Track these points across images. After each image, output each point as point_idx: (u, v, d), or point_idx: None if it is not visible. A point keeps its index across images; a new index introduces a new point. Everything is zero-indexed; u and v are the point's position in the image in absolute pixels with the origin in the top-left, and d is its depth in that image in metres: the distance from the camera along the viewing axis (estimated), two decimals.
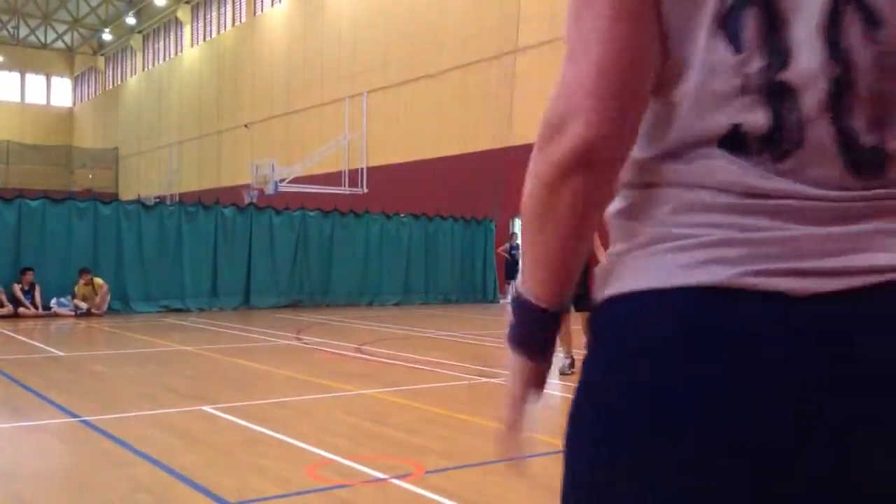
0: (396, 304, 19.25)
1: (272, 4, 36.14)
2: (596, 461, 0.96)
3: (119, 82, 51.99)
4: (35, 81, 54.26)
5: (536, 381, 1.09)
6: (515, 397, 1.10)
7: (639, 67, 0.95)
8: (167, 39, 46.30)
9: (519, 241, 17.81)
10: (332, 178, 28.57)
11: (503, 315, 15.37)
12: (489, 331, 13.15)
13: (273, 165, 26.02)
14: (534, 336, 1.08)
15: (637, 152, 1.00)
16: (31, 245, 15.52)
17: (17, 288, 15.12)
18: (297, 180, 26.87)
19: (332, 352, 10.38)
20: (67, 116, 55.85)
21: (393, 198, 23.95)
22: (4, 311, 14.82)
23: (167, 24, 46.08)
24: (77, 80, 56.14)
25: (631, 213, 1.00)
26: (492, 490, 4.22)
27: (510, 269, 19.29)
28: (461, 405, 6.70)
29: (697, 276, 0.91)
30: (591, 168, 0.94)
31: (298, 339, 11.97)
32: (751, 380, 0.87)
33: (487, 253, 20.76)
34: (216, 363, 9.34)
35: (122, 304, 16.32)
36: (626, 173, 1.00)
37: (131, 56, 50.44)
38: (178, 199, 36.03)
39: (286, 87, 33.90)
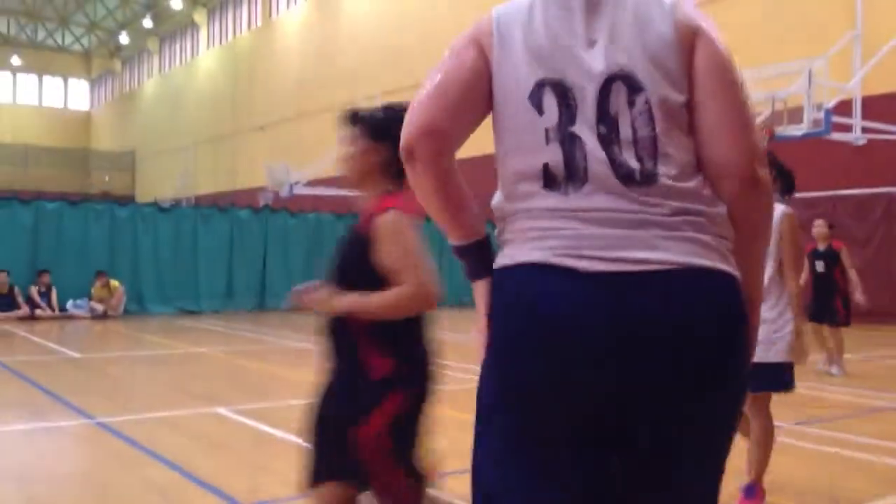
0: None
1: (288, 7, 36.28)
2: (485, 380, 1.64)
3: (136, 85, 52.32)
4: (52, 84, 54.69)
5: (487, 294, 1.61)
6: (479, 309, 1.64)
7: (464, 101, 1.58)
8: (183, 42, 46.57)
9: None
10: (347, 181, 28.61)
11: None
12: None
13: (288, 168, 26.09)
14: (469, 264, 1.68)
15: (498, 200, 1.65)
16: (48, 247, 15.64)
17: (33, 290, 15.23)
18: (311, 183, 26.94)
19: None
20: (85, 119, 56.26)
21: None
22: (21, 312, 14.94)
23: (183, 27, 46.34)
24: (94, 83, 56.55)
25: (503, 224, 1.62)
26: None
27: None
28: (472, 407, 6.68)
29: (526, 256, 1.51)
30: (427, 143, 1.58)
31: (312, 341, 11.98)
32: (546, 325, 1.45)
33: None
34: (230, 365, 9.36)
35: (137, 306, 16.41)
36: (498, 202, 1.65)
37: (148, 59, 50.76)
38: (193, 201, 36.21)
39: (301, 90, 34.02)
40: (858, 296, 9.10)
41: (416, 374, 2.50)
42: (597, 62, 1.52)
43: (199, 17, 43.96)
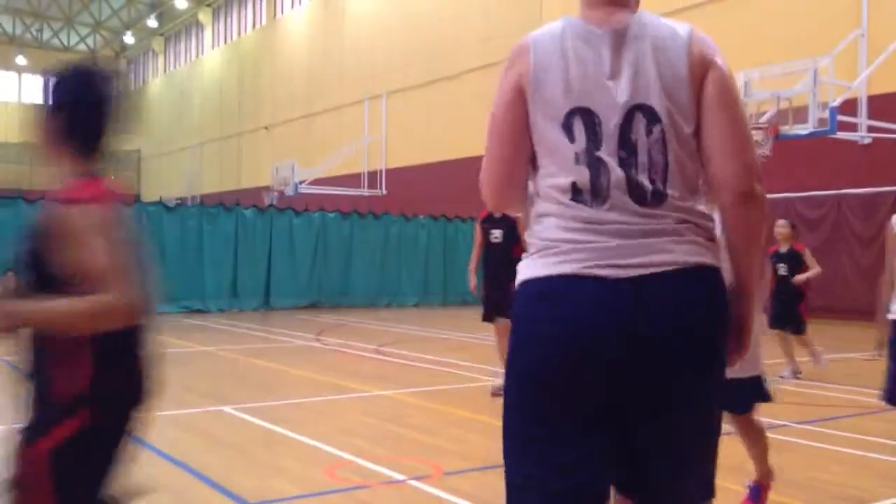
0: (415, 306, 19.27)
1: (293, 7, 36.30)
2: (513, 369, 1.86)
3: (141, 84, 52.41)
4: None
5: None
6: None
7: (513, 170, 1.93)
8: (188, 42, 46.63)
9: None
10: (352, 180, 28.65)
11: None
12: None
13: (293, 167, 26.11)
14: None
15: (531, 201, 1.93)
16: None
17: None
18: (316, 182, 26.96)
19: (351, 353, 10.41)
20: None
21: (412, 199, 23.95)
22: None
23: (188, 27, 46.40)
24: None
25: (530, 235, 1.89)
26: None
27: None
28: (480, 407, 6.68)
29: (558, 269, 1.78)
30: (502, 208, 2.12)
31: (318, 339, 12.01)
32: (586, 320, 1.72)
33: None
34: (236, 364, 9.39)
35: None
36: (530, 216, 1.94)
37: (153, 58, 50.84)
38: (199, 200, 36.25)
39: (306, 89, 34.04)
40: (801, 277, 8.45)
41: (118, 393, 2.14)
42: (621, 94, 1.80)
43: (204, 16, 44.01)
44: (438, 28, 26.84)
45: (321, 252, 18.58)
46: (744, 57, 15.76)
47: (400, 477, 4.51)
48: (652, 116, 1.80)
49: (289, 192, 25.43)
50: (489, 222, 7.34)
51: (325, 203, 21.29)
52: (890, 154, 14.90)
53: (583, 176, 1.80)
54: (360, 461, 4.86)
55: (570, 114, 1.81)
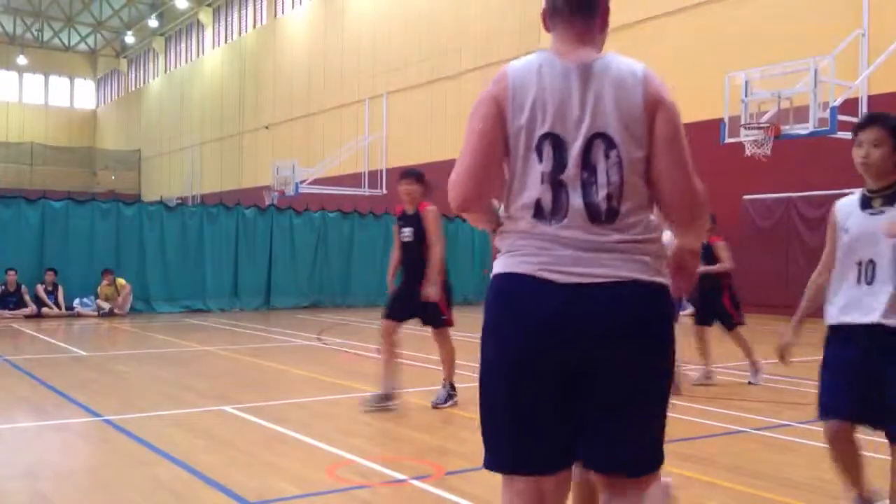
0: None
1: (293, 6, 36.29)
2: (482, 353, 2.23)
3: (141, 84, 52.40)
4: (59, 84, 54.80)
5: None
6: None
7: (483, 178, 2.18)
8: (189, 41, 46.62)
9: None
10: (352, 180, 28.64)
11: None
12: None
13: (294, 167, 26.11)
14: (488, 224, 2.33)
15: (502, 212, 2.23)
16: (55, 245, 15.68)
17: (40, 288, 15.28)
18: (317, 182, 26.96)
19: (352, 352, 10.40)
20: (90, 118, 56.37)
21: None
22: (28, 310, 14.98)
23: (189, 27, 46.39)
24: (100, 82, 56.65)
25: (500, 241, 2.23)
26: None
27: None
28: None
29: (518, 268, 2.14)
30: (464, 211, 2.25)
31: (319, 339, 12.00)
32: (528, 316, 2.10)
33: None
34: (237, 363, 9.38)
35: (144, 305, 16.45)
36: (502, 226, 2.25)
37: (153, 58, 50.82)
38: (199, 200, 36.25)
39: (307, 89, 34.03)
40: (704, 268, 7.64)
41: None
42: (585, 123, 2.12)
43: (205, 16, 43.99)
44: (439, 28, 26.83)
45: (322, 252, 18.57)
46: (744, 56, 15.75)
47: (401, 477, 4.51)
48: (610, 143, 2.12)
49: (289, 191, 25.42)
50: (402, 220, 6.75)
51: (326, 203, 21.28)
52: None
53: (546, 195, 2.14)
54: (360, 461, 4.85)
55: (543, 137, 2.13)
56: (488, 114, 2.17)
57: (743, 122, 13.98)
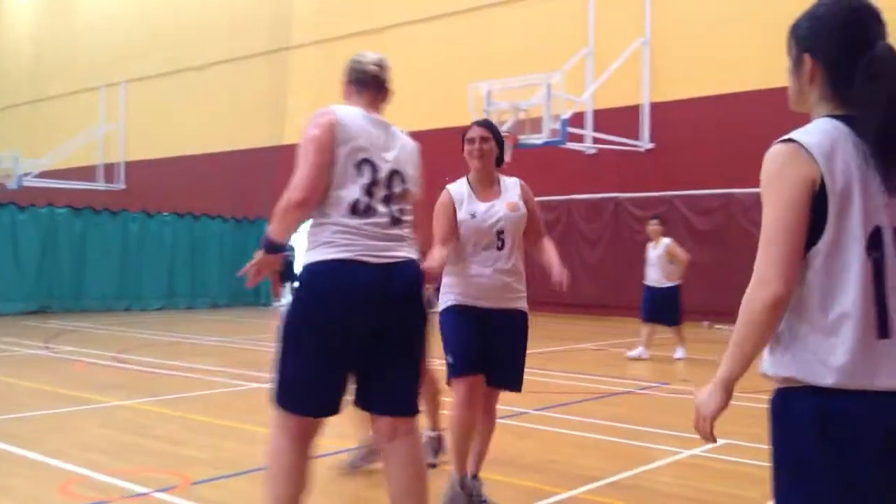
0: (159, 310, 18.23)
1: None
2: (291, 322, 3.09)
3: None
4: None
5: (274, 263, 3.19)
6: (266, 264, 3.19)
7: (320, 183, 3.02)
8: None
9: (292, 243, 17.47)
10: (86, 173, 26.59)
11: (278, 320, 15.04)
12: (262, 335, 12.86)
13: (17, 158, 23.79)
14: (278, 249, 3.15)
15: (317, 212, 3.07)
16: None
17: None
18: (44, 174, 24.71)
19: (87, 361, 9.65)
20: None
21: (155, 195, 22.70)
22: None
23: None
24: None
25: (315, 234, 3.08)
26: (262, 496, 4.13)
27: (286, 272, 18.85)
28: (228, 412, 6.51)
29: (335, 255, 3.00)
30: (301, 209, 3.05)
31: (47, 347, 11.01)
32: (351, 292, 2.99)
33: None
34: None
35: None
36: (314, 221, 3.10)
37: None
38: None
39: (33, 72, 31.03)
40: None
41: None
42: (390, 161, 3.13)
43: None
44: (183, 16, 25.65)
45: (50, 251, 16.99)
46: (488, 67, 16.66)
47: (143, 490, 4.27)
48: (402, 176, 3.16)
49: (12, 184, 23.16)
50: None
51: (56, 198, 19.53)
52: (611, 163, 16.49)
53: (362, 199, 3.04)
54: (97, 476, 4.54)
55: (364, 160, 3.06)
56: (327, 132, 3.07)
57: None
